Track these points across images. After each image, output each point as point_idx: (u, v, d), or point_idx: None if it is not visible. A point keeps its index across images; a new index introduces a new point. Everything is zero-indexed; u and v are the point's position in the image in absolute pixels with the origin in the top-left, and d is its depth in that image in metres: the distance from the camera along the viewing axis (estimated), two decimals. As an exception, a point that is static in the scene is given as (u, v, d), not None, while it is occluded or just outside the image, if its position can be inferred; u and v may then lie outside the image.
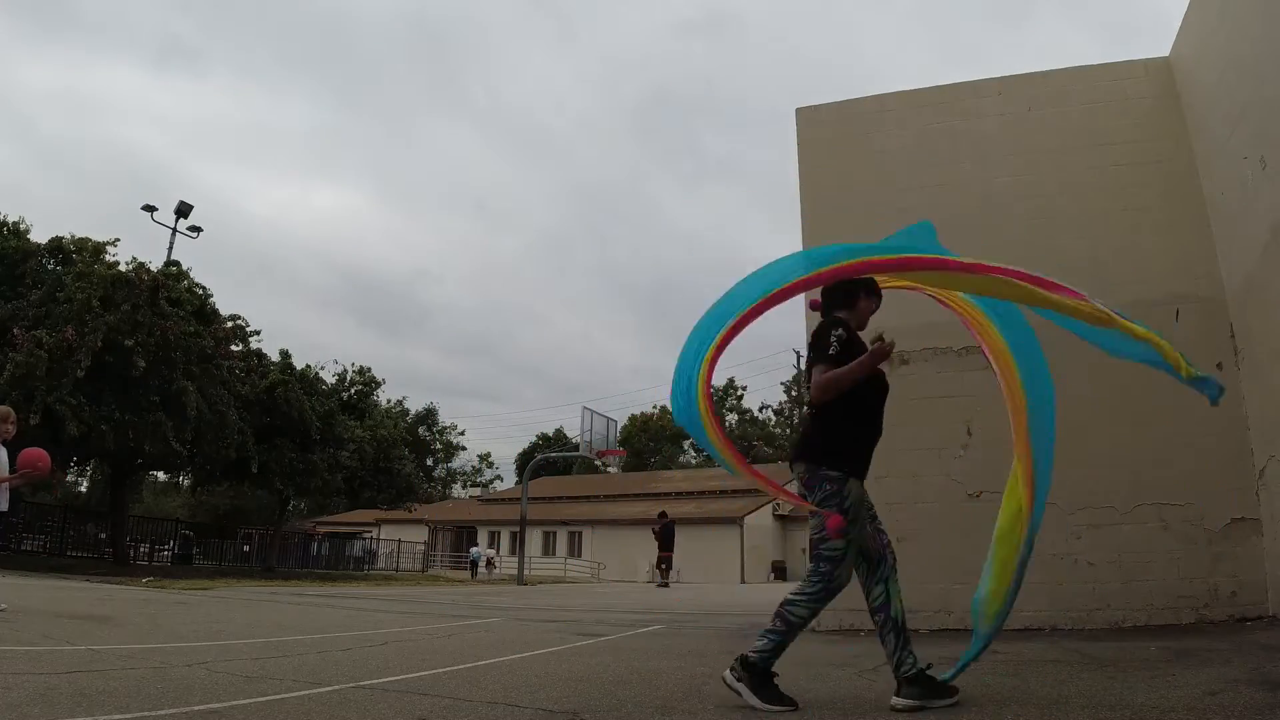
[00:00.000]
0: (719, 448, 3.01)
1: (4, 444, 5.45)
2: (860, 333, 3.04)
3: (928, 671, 2.66)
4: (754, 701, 2.59)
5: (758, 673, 2.64)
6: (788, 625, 2.69)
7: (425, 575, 26.92)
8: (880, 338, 2.76)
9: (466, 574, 27.03)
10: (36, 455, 5.45)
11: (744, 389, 54.66)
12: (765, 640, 2.68)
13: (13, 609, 5.21)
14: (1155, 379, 5.35)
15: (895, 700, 2.60)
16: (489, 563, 29.19)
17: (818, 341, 2.89)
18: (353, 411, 20.98)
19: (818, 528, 2.78)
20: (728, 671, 2.70)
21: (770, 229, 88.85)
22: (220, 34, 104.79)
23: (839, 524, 2.65)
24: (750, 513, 30.92)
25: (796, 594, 2.75)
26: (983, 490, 5.50)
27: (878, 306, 3.10)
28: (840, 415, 2.83)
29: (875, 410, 2.92)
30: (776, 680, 2.66)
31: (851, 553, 2.75)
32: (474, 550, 29.26)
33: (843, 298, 3.04)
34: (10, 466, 5.41)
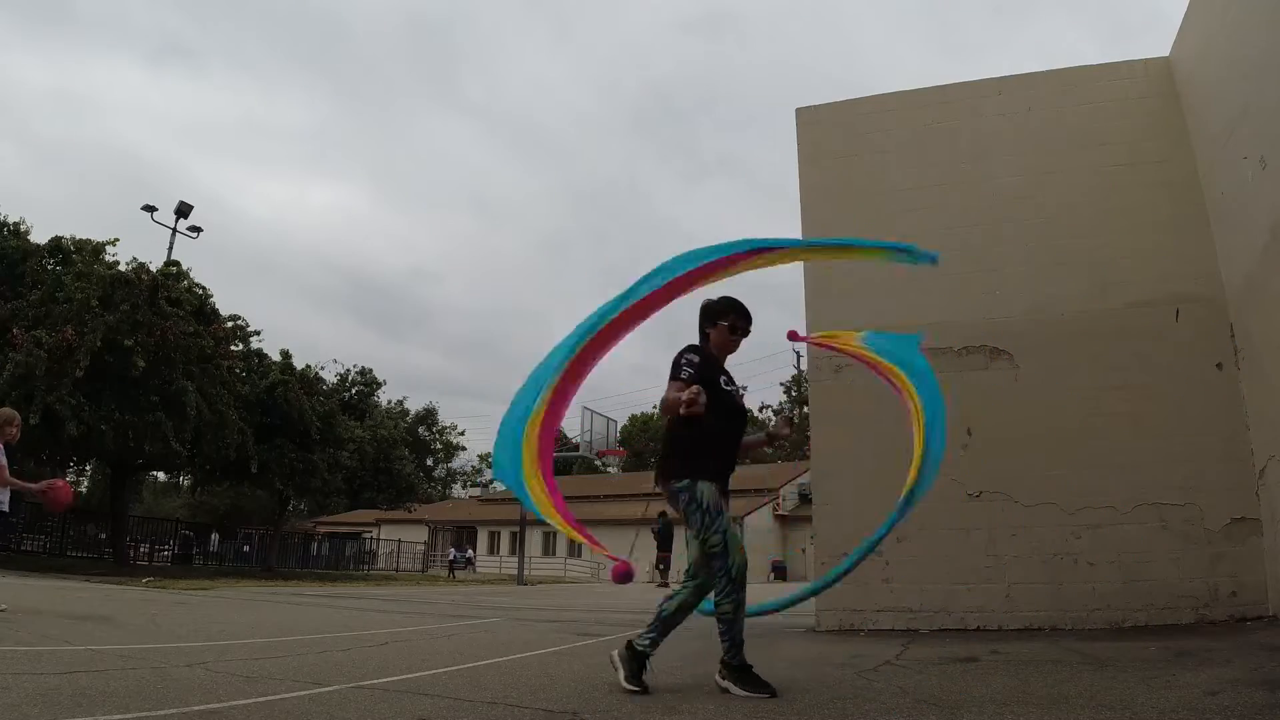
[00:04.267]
0: (542, 509, 3.24)
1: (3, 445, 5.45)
2: (730, 355, 3.39)
3: (647, 660, 3.05)
4: (742, 693, 2.87)
5: (736, 669, 2.95)
6: (726, 624, 3.01)
7: (425, 575, 26.92)
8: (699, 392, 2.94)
9: (446, 575, 27.44)
10: (65, 491, 5.77)
11: (744, 389, 54.58)
12: (725, 642, 2.99)
13: (13, 609, 5.21)
14: (1155, 379, 5.38)
15: (717, 680, 2.97)
16: (468, 562, 30.90)
17: (674, 362, 3.18)
18: (353, 411, 20.99)
19: (696, 534, 3.08)
20: (716, 677, 3.01)
21: (770, 229, 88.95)
22: (219, 32, 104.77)
23: (622, 571, 2.94)
24: (750, 513, 30.90)
25: (719, 596, 3.03)
26: (983, 490, 5.50)
27: (733, 333, 3.35)
28: (680, 432, 3.12)
29: (719, 432, 3.15)
30: (753, 669, 2.97)
31: (729, 536, 3.02)
32: (453, 551, 30.66)
33: (701, 330, 3.37)
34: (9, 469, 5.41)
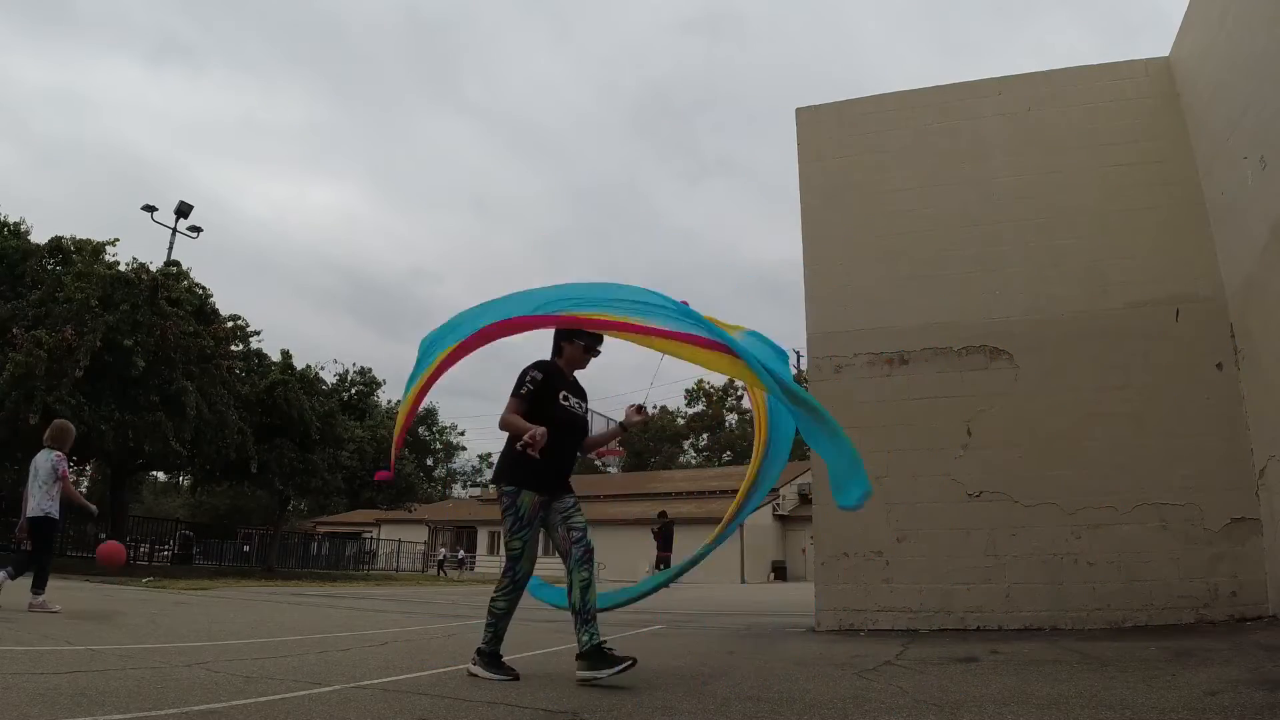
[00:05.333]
0: (402, 411, 3.76)
1: None
2: (579, 371, 3.67)
3: (603, 646, 3.14)
4: (486, 675, 3.24)
5: (487, 655, 3.34)
6: (495, 618, 3.39)
7: (425, 575, 26.92)
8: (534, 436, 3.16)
9: (436, 573, 28.11)
10: (119, 554, 6.64)
11: (744, 389, 54.68)
12: (487, 633, 3.39)
13: (13, 609, 5.21)
14: (1155, 379, 5.38)
15: (577, 674, 3.11)
16: (460, 563, 32.31)
17: (518, 377, 3.45)
18: (353, 411, 20.98)
19: (504, 534, 3.43)
20: (470, 664, 3.35)
21: (770, 228, 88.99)
22: (219, 31, 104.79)
23: (384, 477, 4.13)
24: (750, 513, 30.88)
25: (497, 592, 3.41)
26: (983, 490, 5.50)
27: (587, 352, 3.64)
28: (513, 442, 3.34)
29: (552, 445, 3.26)
30: (503, 659, 3.36)
31: (528, 552, 3.38)
32: (443, 550, 32.16)
33: (556, 342, 3.65)
34: None
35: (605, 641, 3.20)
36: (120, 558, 6.42)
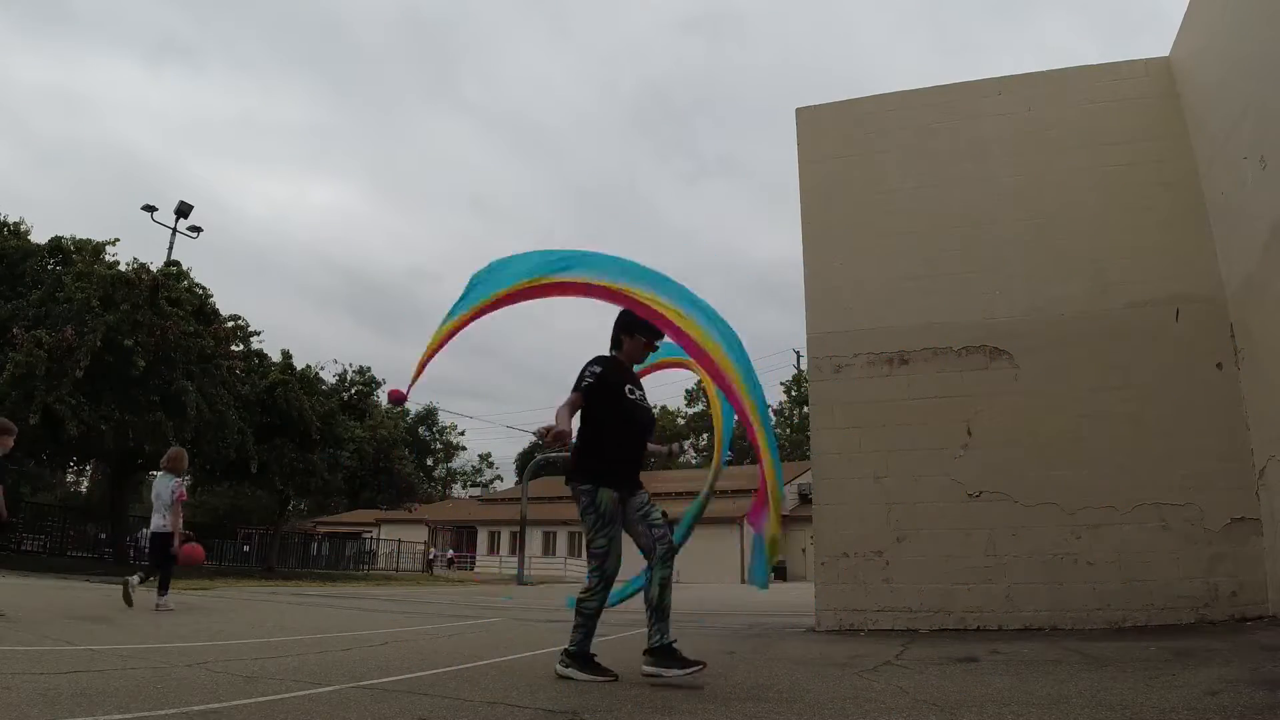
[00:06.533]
0: (435, 338, 3.58)
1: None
2: (637, 366, 3.68)
3: (673, 645, 3.17)
4: (584, 677, 3.14)
5: (579, 657, 3.22)
6: (584, 618, 3.27)
7: (425, 575, 26.93)
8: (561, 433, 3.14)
9: (428, 575, 28.62)
10: (197, 553, 7.33)
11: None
12: (576, 634, 3.26)
13: (13, 609, 5.21)
14: (1155, 379, 5.38)
15: (642, 669, 3.15)
16: (450, 562, 33.47)
17: (580, 373, 3.41)
18: (353, 411, 20.99)
19: (585, 533, 3.32)
20: (557, 665, 3.26)
21: (769, 228, 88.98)
22: (218, 31, 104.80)
23: (397, 395, 3.49)
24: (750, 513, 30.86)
25: (586, 593, 3.30)
26: (983, 490, 5.50)
27: (647, 346, 3.65)
28: (589, 439, 3.38)
29: (624, 440, 3.39)
30: (596, 659, 3.25)
31: (614, 549, 3.28)
32: (433, 550, 33.11)
33: (615, 335, 3.64)
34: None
35: (675, 641, 3.20)
36: (199, 556, 7.39)
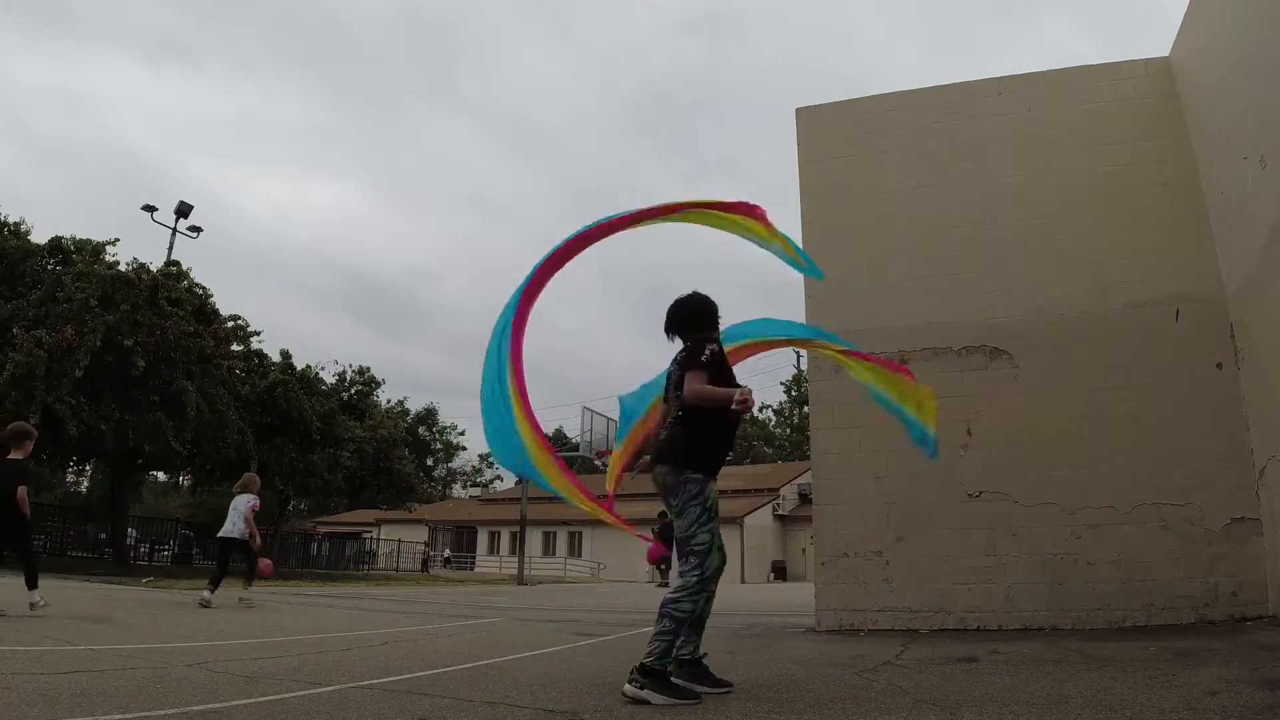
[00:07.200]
0: (563, 488, 3.34)
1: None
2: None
3: (703, 660, 3.03)
4: (659, 699, 2.71)
5: (656, 676, 2.77)
6: (676, 623, 2.88)
7: (425, 575, 26.92)
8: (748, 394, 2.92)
9: (426, 574, 28.90)
10: (267, 568, 8.47)
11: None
12: (658, 644, 2.83)
13: (12, 609, 5.21)
14: (1155, 379, 5.38)
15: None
16: (446, 561, 33.56)
17: (693, 351, 3.10)
18: (353, 411, 20.98)
19: (684, 527, 3.01)
20: (628, 685, 2.77)
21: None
22: (217, 30, 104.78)
23: (659, 552, 2.92)
24: (750, 513, 30.89)
25: (677, 592, 2.94)
26: (983, 490, 5.50)
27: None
28: (705, 425, 3.05)
29: (732, 427, 3.18)
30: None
31: (716, 543, 2.99)
32: (429, 550, 33.65)
33: (703, 325, 3.30)
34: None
35: (705, 656, 3.08)
36: (268, 571, 8.58)
